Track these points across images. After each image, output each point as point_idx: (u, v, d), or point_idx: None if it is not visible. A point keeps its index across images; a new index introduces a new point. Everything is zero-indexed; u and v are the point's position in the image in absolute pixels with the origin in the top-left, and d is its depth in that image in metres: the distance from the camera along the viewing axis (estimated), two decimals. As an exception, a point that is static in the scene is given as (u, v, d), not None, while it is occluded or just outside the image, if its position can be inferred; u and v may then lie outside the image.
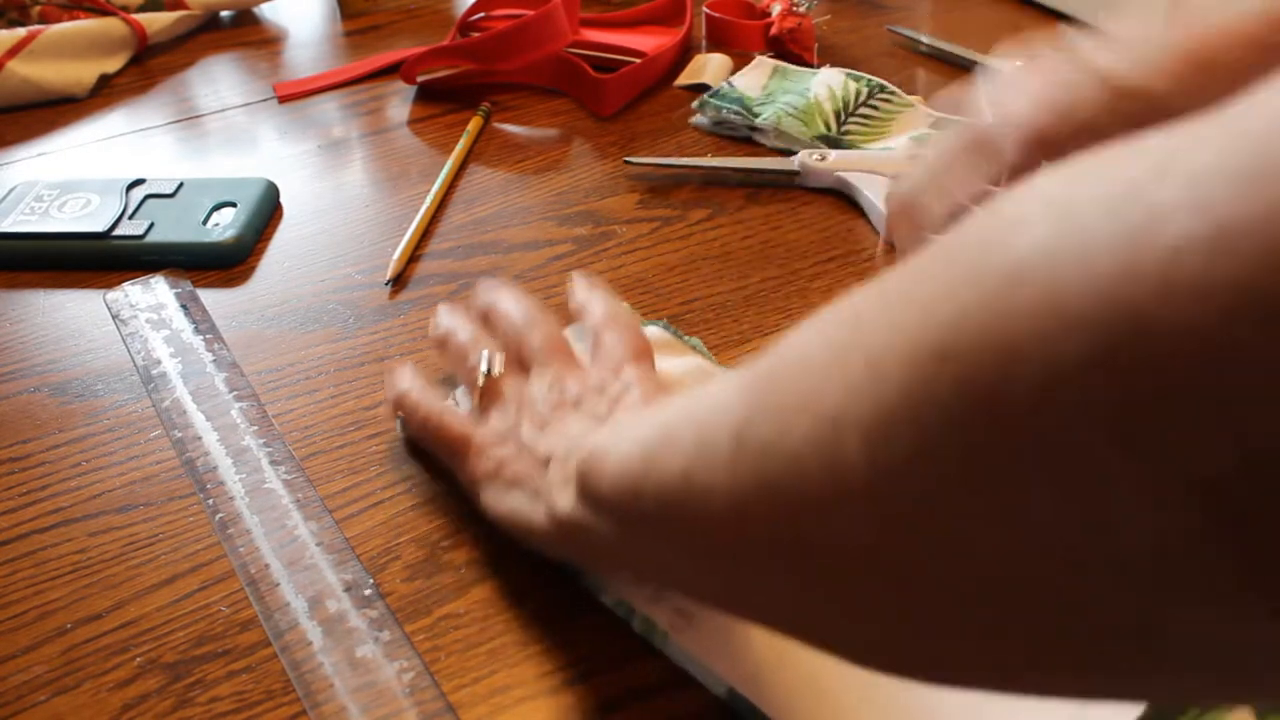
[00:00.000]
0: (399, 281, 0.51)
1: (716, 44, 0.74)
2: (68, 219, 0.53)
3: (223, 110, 0.68)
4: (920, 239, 0.37)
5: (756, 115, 0.62)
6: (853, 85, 0.63)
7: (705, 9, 0.74)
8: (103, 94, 0.70)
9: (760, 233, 0.54)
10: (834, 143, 0.61)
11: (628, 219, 0.55)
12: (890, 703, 0.31)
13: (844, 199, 0.57)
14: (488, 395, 0.38)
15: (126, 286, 0.50)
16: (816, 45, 0.71)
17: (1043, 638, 0.18)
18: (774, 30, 0.70)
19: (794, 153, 0.59)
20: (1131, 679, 0.18)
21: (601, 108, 0.65)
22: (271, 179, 0.57)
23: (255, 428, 0.42)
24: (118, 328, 0.48)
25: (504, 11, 0.74)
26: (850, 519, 0.19)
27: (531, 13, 0.66)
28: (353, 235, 0.55)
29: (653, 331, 0.46)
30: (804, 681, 0.32)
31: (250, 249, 0.53)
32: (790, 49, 0.70)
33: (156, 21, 0.74)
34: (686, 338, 0.46)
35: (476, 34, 0.72)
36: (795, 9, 0.71)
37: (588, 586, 0.35)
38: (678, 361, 0.45)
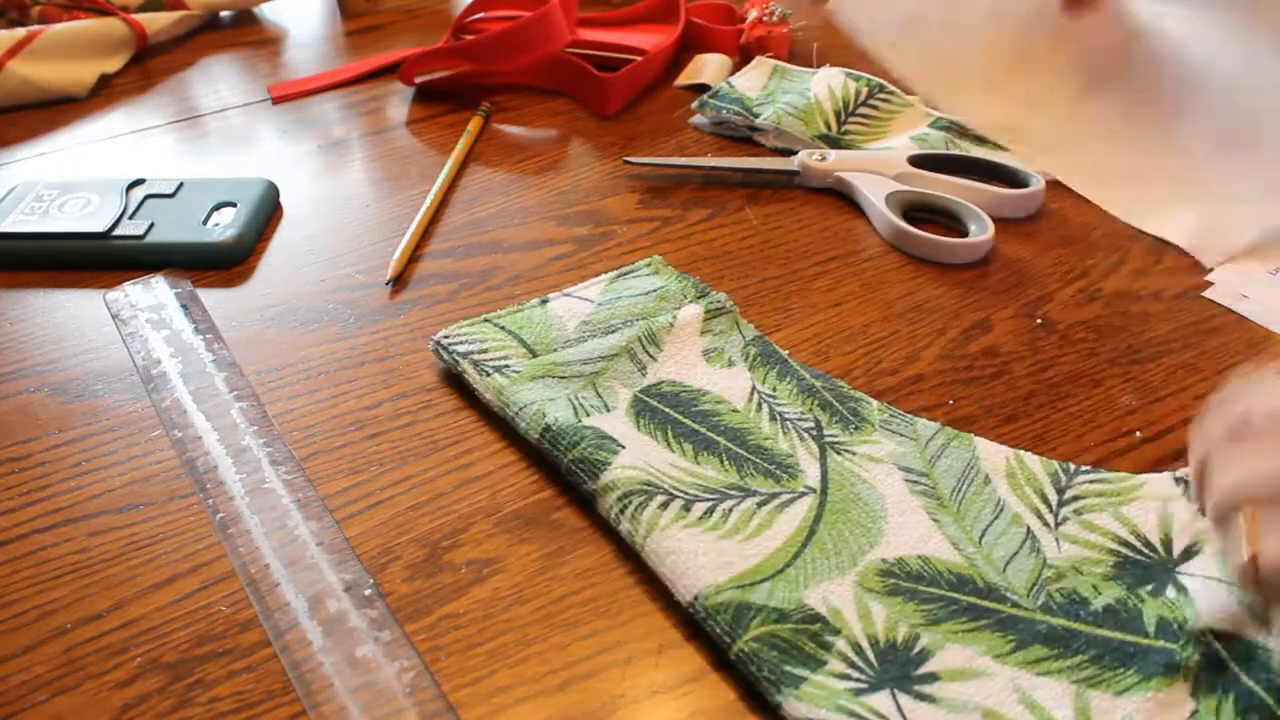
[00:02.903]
0: (399, 281, 0.51)
1: (696, 48, 0.74)
2: (68, 219, 0.53)
3: (223, 110, 0.68)
4: None
5: (756, 115, 0.62)
6: (852, 85, 0.63)
7: (684, 13, 0.74)
8: (103, 94, 0.70)
9: (760, 233, 0.54)
10: (834, 142, 0.61)
11: (628, 219, 0.55)
12: None
13: (844, 199, 0.57)
14: None
15: (126, 286, 0.50)
16: (789, 53, 0.71)
17: None
18: (743, 39, 0.71)
19: (794, 153, 0.59)
20: None
21: (604, 107, 0.65)
22: (271, 179, 0.57)
23: (255, 428, 0.42)
24: (118, 328, 0.48)
25: (502, 12, 0.75)
26: None
27: (529, 14, 0.66)
28: (353, 235, 0.55)
29: (692, 311, 0.46)
30: (751, 598, 0.34)
31: (250, 249, 0.53)
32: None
33: (156, 21, 0.74)
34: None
35: (472, 35, 0.72)
36: (767, 18, 0.71)
37: (588, 492, 0.38)
38: (685, 311, 0.46)
